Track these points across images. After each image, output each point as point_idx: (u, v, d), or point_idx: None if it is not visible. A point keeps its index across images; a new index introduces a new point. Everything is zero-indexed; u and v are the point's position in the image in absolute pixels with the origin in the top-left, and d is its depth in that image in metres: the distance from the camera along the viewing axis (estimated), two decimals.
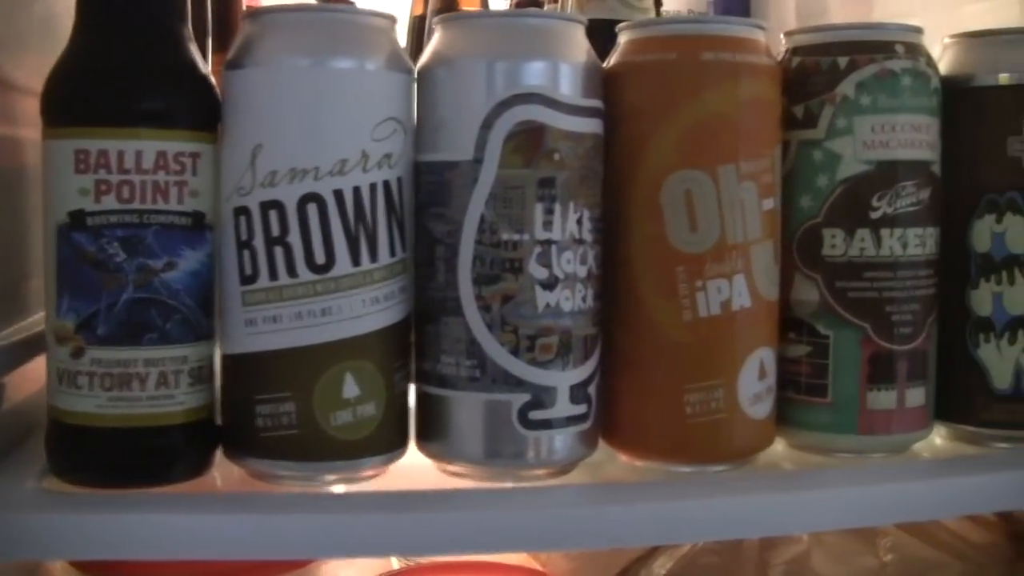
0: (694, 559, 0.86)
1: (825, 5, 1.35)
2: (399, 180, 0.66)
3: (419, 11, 1.06)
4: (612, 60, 0.71)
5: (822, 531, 0.85)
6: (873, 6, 1.22)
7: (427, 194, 0.67)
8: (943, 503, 0.75)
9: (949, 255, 0.75)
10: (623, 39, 0.71)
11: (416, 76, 0.68)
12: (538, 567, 0.92)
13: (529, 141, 0.65)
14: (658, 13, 1.09)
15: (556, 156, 0.65)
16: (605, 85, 0.69)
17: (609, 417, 0.71)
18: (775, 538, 0.85)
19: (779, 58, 0.74)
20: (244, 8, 0.96)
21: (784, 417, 0.74)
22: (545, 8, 0.92)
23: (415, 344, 0.69)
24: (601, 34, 0.72)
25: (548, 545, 0.69)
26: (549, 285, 0.65)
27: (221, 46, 0.80)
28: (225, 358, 0.67)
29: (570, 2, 0.85)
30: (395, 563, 0.99)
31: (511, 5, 1.06)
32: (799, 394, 0.73)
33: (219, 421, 0.68)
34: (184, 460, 0.67)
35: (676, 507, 0.68)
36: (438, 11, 0.95)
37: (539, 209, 0.65)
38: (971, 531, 0.90)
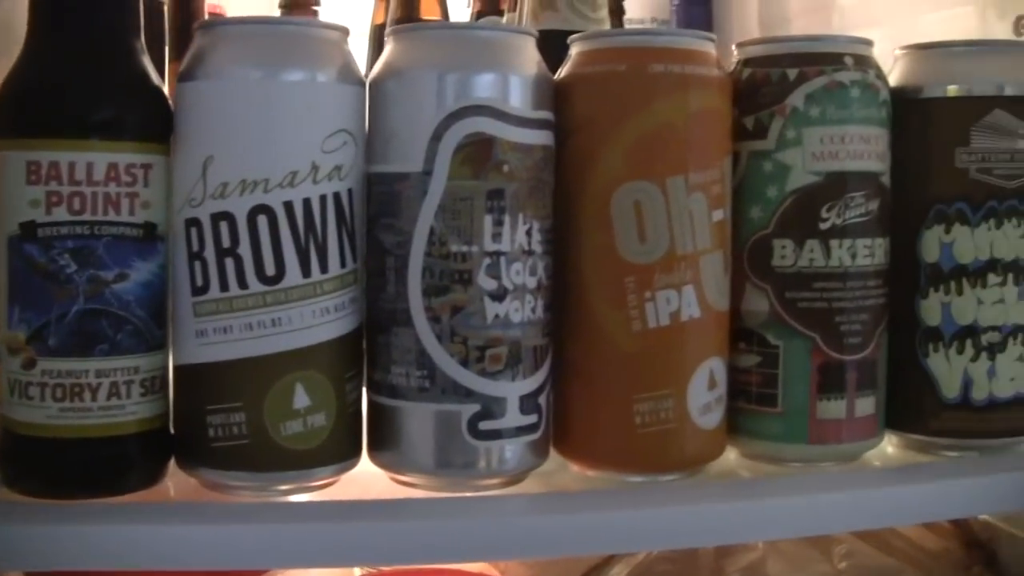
0: (650, 567, 0.87)
1: (787, 15, 1.35)
2: (350, 191, 0.66)
3: (380, 20, 1.06)
4: (563, 72, 0.71)
5: (776, 539, 0.85)
6: (834, 16, 1.23)
7: (378, 205, 0.67)
8: (894, 511, 0.75)
9: (899, 265, 0.76)
10: (574, 51, 0.71)
11: (368, 87, 0.68)
12: (497, 574, 0.92)
13: (478, 153, 0.65)
14: (620, 23, 1.10)
15: (505, 168, 0.66)
16: (556, 97, 0.70)
17: (560, 427, 0.72)
18: (730, 546, 0.86)
19: (731, 69, 0.74)
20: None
21: (735, 426, 0.74)
22: (504, 16, 0.92)
23: (366, 354, 0.69)
24: (556, 45, 0.72)
25: (500, 554, 0.69)
26: (498, 296, 0.66)
27: (180, 56, 0.80)
28: (177, 368, 0.67)
29: (525, 12, 0.85)
30: (357, 572, 0.99)
31: (472, 14, 1.06)
32: (750, 404, 0.74)
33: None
34: (136, 470, 0.67)
35: (627, 516, 0.68)
36: (397, 20, 0.96)
37: (488, 221, 0.65)
38: (925, 538, 0.90)
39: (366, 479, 0.70)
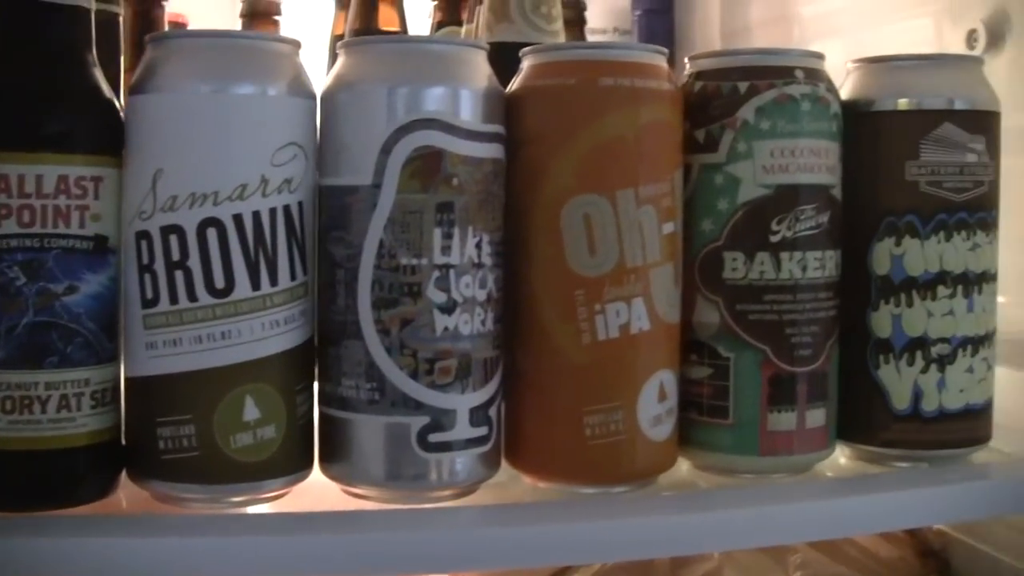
0: None
1: (748, 26, 1.36)
2: (300, 204, 0.66)
3: (339, 31, 1.06)
4: (514, 84, 0.71)
5: (728, 550, 0.85)
6: (794, 27, 1.24)
7: (329, 218, 0.67)
8: (845, 521, 0.76)
9: (851, 277, 0.76)
10: (525, 63, 0.72)
11: (319, 101, 0.68)
12: None
13: (427, 166, 0.65)
14: (582, 34, 1.11)
15: (455, 181, 0.66)
16: (507, 109, 0.70)
17: (512, 439, 0.72)
18: (686, 556, 0.86)
19: (682, 82, 0.74)
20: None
21: (687, 438, 0.75)
22: (463, 28, 0.92)
23: (317, 367, 0.69)
24: (511, 57, 0.73)
25: (450, 566, 0.69)
26: (448, 309, 0.66)
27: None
28: (128, 381, 0.67)
29: (481, 24, 0.85)
30: None
31: (432, 25, 1.06)
32: (701, 415, 0.74)
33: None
34: (87, 483, 0.67)
35: (577, 528, 0.68)
36: (355, 31, 0.96)
37: (437, 234, 0.66)
38: (880, 547, 0.91)
39: (318, 491, 0.70)
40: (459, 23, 1.02)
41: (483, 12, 0.85)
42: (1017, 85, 0.88)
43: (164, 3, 0.96)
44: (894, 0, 1.05)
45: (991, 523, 0.89)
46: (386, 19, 0.96)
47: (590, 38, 1.24)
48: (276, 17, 1.10)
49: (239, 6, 1.11)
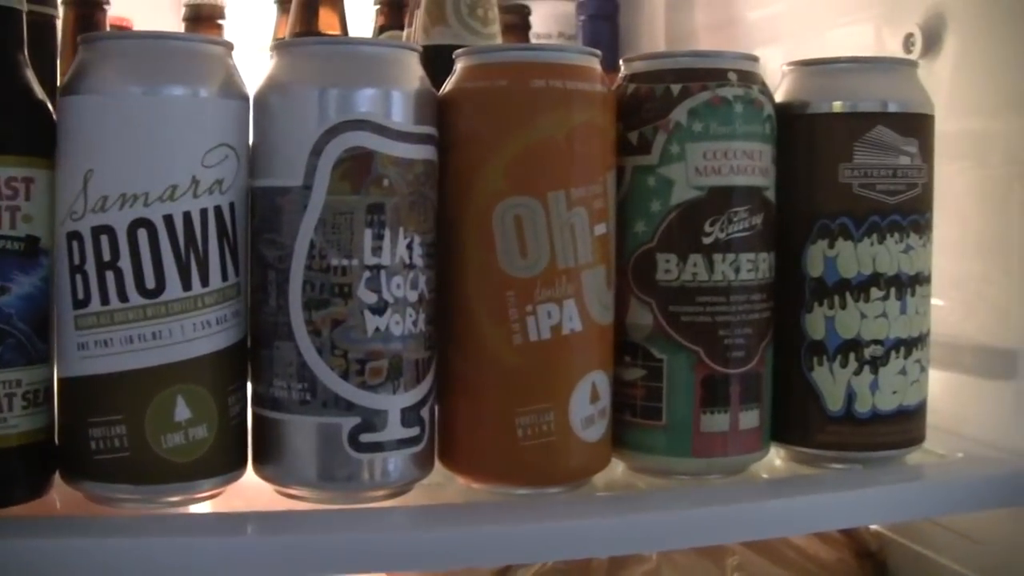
0: None
1: (693, 30, 1.36)
2: (231, 205, 0.66)
3: (282, 34, 1.07)
4: (447, 87, 0.71)
5: (669, 550, 0.86)
6: (739, 31, 1.24)
7: (261, 219, 0.68)
8: (779, 522, 0.76)
9: (785, 279, 0.77)
10: (458, 66, 0.72)
11: (252, 102, 0.68)
12: None
13: (357, 167, 0.65)
14: (526, 38, 1.11)
15: (385, 182, 0.66)
16: (440, 111, 0.70)
17: (446, 440, 0.72)
18: (624, 556, 0.86)
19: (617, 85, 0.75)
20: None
21: (622, 440, 0.75)
22: (404, 32, 0.92)
23: (251, 367, 0.69)
24: (447, 60, 0.73)
25: (383, 566, 0.69)
26: (378, 310, 0.66)
27: None
28: (60, 381, 0.67)
29: (417, 28, 0.85)
30: None
31: (375, 28, 1.06)
32: (635, 417, 0.74)
33: None
34: (20, 483, 0.66)
35: (509, 529, 0.69)
36: (296, 34, 0.96)
37: (368, 235, 0.66)
38: (819, 549, 0.91)
39: (252, 491, 0.70)
40: (402, 27, 1.02)
41: (420, 15, 0.85)
42: (953, 89, 0.89)
43: (106, 6, 0.96)
44: (836, 4, 1.06)
45: (926, 524, 0.90)
46: (326, 23, 0.96)
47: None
48: (220, 21, 1.10)
49: (184, 10, 1.11)
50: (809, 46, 1.08)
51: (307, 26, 0.95)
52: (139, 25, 1.15)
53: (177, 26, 1.11)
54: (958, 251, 0.87)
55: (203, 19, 1.10)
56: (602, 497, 0.74)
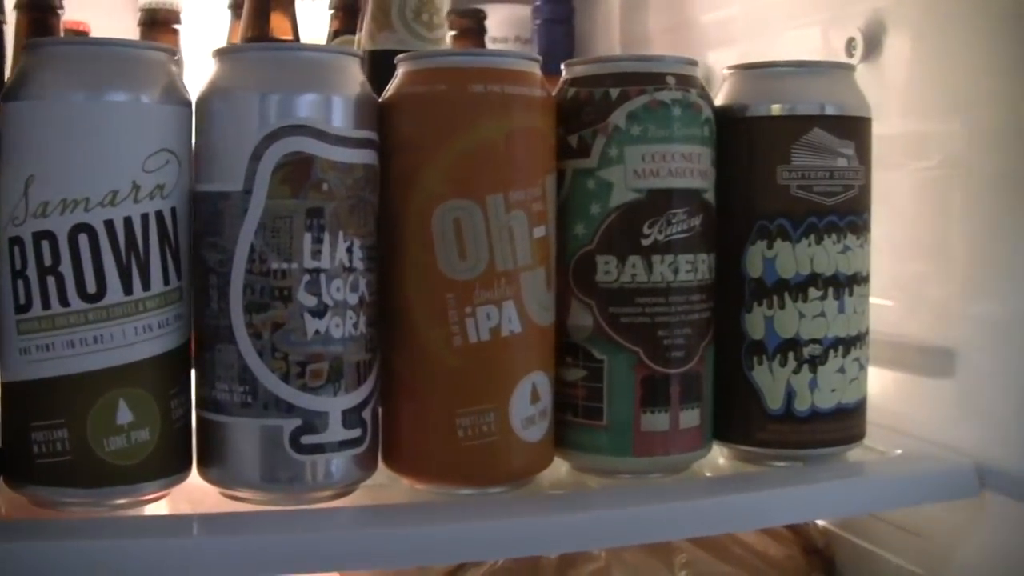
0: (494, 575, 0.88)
1: (648, 34, 1.37)
2: (173, 210, 0.67)
3: (235, 39, 1.07)
4: (389, 91, 0.72)
5: (615, 548, 0.86)
6: (693, 35, 1.25)
7: (202, 224, 0.68)
8: (721, 519, 0.77)
9: (725, 280, 0.78)
10: (400, 71, 0.72)
11: (194, 107, 0.69)
12: None
13: (297, 172, 0.66)
14: (482, 43, 1.12)
15: (325, 187, 0.67)
16: (382, 116, 0.71)
17: (389, 441, 0.73)
18: (574, 555, 0.87)
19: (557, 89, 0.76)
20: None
21: (564, 440, 0.76)
22: (355, 37, 0.93)
23: (194, 370, 0.70)
24: (390, 65, 0.74)
25: (326, 566, 0.70)
26: (318, 313, 0.67)
27: None
28: (3, 386, 0.68)
29: (363, 33, 0.86)
30: None
31: (329, 33, 1.07)
32: (577, 417, 0.75)
33: None
34: None
35: (451, 528, 0.69)
36: (248, 39, 0.96)
37: (307, 239, 0.66)
38: (767, 545, 0.92)
39: (198, 493, 0.71)
40: (355, 32, 1.03)
41: (366, 20, 0.86)
42: (894, 91, 0.90)
43: (60, 12, 0.96)
44: (786, 8, 1.06)
45: (870, 520, 0.91)
46: (278, 28, 0.96)
47: (491, 47, 1.25)
48: (176, 26, 1.11)
49: (140, 14, 1.11)
50: (761, 49, 1.08)
51: (259, 31, 0.95)
52: (96, 31, 1.16)
53: (134, 31, 1.11)
54: (900, 252, 0.88)
55: (159, 24, 1.10)
56: (548, 496, 0.75)
